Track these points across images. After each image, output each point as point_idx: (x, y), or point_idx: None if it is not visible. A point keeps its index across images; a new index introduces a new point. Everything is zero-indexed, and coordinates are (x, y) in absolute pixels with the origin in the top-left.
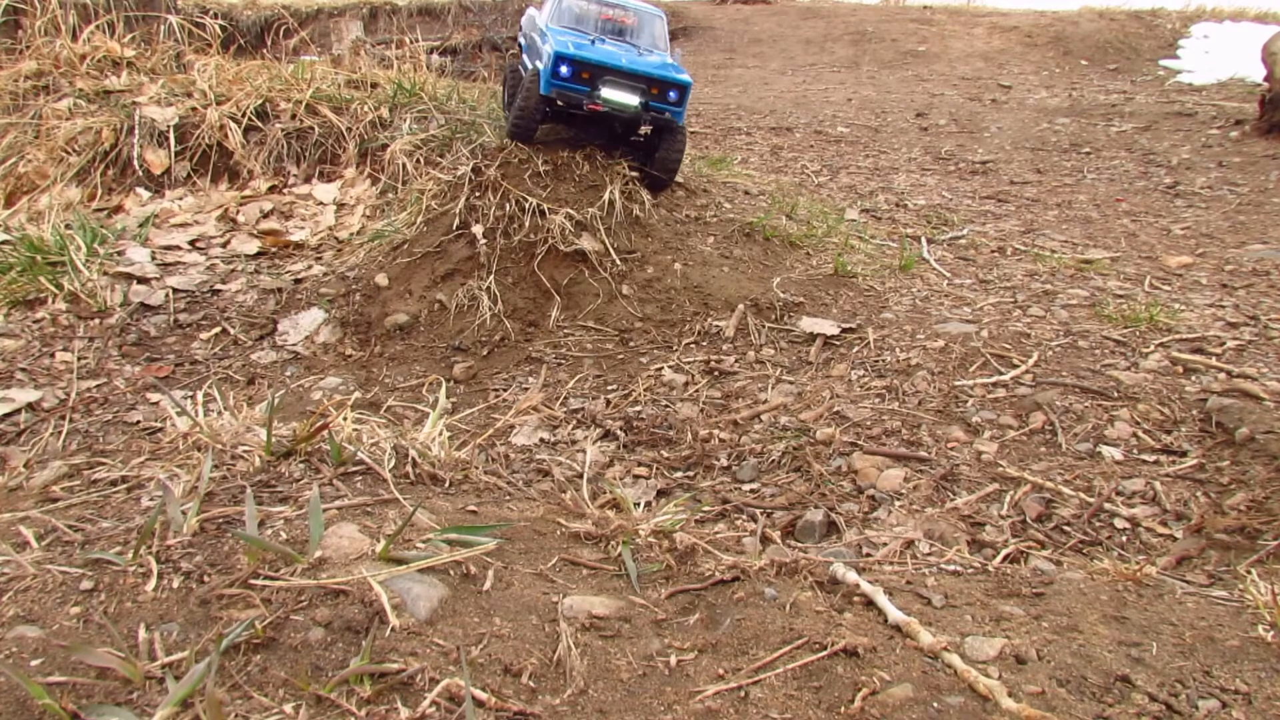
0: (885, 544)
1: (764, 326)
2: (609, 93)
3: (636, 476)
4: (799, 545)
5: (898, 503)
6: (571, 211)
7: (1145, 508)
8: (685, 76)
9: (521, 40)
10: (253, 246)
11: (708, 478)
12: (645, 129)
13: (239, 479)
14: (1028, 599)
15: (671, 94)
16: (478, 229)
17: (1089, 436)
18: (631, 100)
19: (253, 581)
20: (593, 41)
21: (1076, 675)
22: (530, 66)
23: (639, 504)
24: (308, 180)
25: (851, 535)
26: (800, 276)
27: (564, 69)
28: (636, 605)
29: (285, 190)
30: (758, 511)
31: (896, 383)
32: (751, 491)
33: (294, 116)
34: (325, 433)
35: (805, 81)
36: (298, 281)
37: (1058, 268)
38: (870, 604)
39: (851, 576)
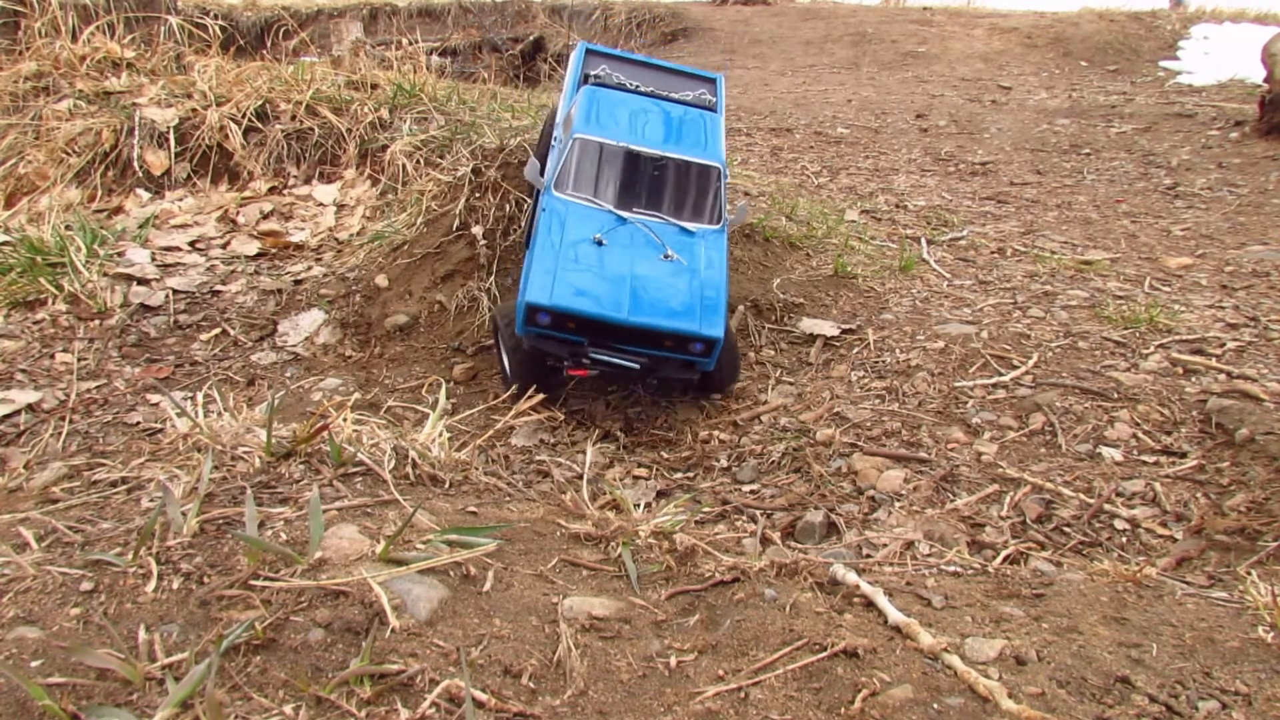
0: (885, 545)
1: (764, 327)
2: (603, 355)
3: (636, 477)
4: (799, 546)
5: (898, 504)
6: None
7: (1145, 509)
8: (714, 330)
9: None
10: (253, 247)
11: (707, 479)
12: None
13: (239, 480)
14: (1028, 600)
15: (696, 346)
16: (477, 230)
17: (1089, 437)
18: (633, 365)
19: (253, 582)
20: (599, 241)
21: (1076, 676)
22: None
23: (639, 505)
24: (308, 181)
25: (851, 536)
26: (800, 277)
27: (542, 317)
28: (636, 606)
29: (285, 191)
30: (758, 512)
31: (896, 384)
32: (751, 492)
33: (294, 118)
34: (325, 434)
35: (805, 82)
36: (298, 282)
37: (1057, 269)
38: (870, 605)
39: (851, 577)
